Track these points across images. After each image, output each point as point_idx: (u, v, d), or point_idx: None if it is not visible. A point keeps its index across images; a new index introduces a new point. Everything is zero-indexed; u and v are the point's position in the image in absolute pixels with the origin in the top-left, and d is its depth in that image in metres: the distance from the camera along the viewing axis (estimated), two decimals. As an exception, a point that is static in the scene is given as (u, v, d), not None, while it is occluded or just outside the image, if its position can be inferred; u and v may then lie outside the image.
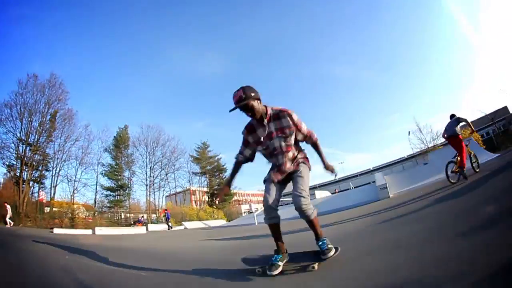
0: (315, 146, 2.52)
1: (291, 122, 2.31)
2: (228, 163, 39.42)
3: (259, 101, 2.26)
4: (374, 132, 70.22)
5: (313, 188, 38.19)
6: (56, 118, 27.34)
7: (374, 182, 20.94)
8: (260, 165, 2.67)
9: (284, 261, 2.27)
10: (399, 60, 66.87)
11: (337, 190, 26.98)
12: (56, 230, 13.35)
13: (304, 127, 2.40)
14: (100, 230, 14.26)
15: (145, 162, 33.54)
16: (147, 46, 63.06)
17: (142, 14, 59.80)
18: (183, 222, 23.32)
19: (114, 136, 32.85)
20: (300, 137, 2.42)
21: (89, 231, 14.54)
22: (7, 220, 15.66)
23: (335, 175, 2.61)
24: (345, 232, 4.70)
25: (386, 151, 68.81)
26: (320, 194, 20.39)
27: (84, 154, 29.14)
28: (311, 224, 2.30)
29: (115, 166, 31.71)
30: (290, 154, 2.38)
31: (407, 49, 63.66)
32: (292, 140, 2.36)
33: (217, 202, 31.40)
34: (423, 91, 58.63)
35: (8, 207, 16.34)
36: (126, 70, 59.50)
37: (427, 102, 56.76)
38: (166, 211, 22.43)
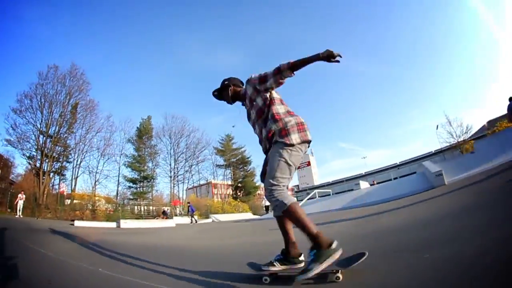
0: (296, 67, 1.81)
1: (251, 86, 1.99)
2: (253, 155, 38.15)
3: (231, 88, 2.16)
4: (394, 128, 67.71)
5: (355, 178, 36.12)
6: (77, 109, 26.39)
7: (415, 173, 18.95)
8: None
9: (292, 265, 1.83)
10: (420, 55, 63.86)
11: (374, 182, 24.61)
12: (77, 223, 11.88)
13: (268, 72, 1.90)
14: (125, 223, 12.68)
15: (169, 153, 32.50)
16: (168, 40, 62.91)
17: (166, 9, 59.75)
18: (211, 215, 21.81)
19: (137, 127, 31.92)
20: (272, 83, 1.90)
21: (113, 224, 13.02)
22: (18, 212, 14.48)
23: (339, 58, 1.70)
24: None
25: (407, 147, 66.57)
26: (364, 185, 18.19)
27: (106, 145, 28.25)
28: (291, 220, 1.74)
29: (138, 157, 30.68)
30: (262, 119, 1.96)
31: (429, 45, 60.11)
32: (259, 101, 1.96)
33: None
34: (445, 87, 55.65)
35: (21, 196, 15.16)
36: (146, 64, 59.45)
37: (450, 98, 53.63)
38: (189, 204, 20.88)
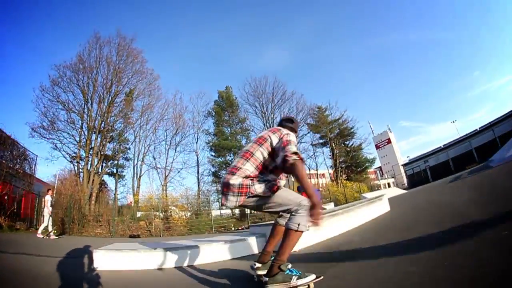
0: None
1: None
2: (360, 119, 28.91)
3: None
4: (456, 96, 54.96)
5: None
6: (133, 96, 19.92)
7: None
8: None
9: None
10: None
11: None
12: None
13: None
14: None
15: (266, 125, 24.98)
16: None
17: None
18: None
19: (215, 100, 25.36)
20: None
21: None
22: (42, 228, 8.32)
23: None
24: None
25: (477, 114, 52.83)
26: None
27: (177, 129, 21.72)
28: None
29: (227, 133, 23.97)
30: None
31: None
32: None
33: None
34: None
35: (48, 199, 8.55)
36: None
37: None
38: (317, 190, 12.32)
